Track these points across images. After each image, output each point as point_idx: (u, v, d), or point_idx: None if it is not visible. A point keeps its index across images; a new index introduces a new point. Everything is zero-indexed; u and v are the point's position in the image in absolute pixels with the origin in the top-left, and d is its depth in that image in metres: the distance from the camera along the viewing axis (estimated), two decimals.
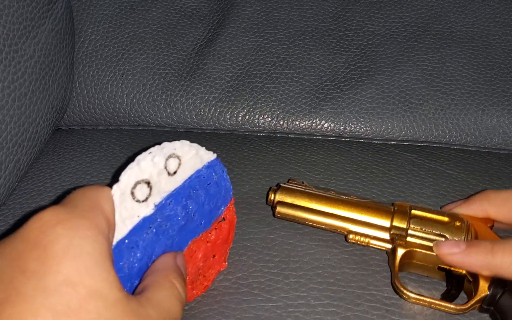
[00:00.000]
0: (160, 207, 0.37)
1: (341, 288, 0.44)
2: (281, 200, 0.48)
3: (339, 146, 0.60)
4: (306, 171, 0.56)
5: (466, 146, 0.62)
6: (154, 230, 0.36)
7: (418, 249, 0.44)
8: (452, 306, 0.42)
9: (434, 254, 0.43)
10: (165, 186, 0.37)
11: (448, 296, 0.43)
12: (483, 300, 0.41)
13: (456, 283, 0.43)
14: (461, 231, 0.44)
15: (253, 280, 0.45)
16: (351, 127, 0.63)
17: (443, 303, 0.42)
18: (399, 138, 0.63)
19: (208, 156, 0.40)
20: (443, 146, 0.62)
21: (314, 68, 0.66)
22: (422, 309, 0.43)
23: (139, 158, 0.36)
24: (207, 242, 0.42)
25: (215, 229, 0.43)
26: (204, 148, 0.40)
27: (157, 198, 0.36)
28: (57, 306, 0.28)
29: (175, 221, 0.38)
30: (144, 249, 0.36)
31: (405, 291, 0.42)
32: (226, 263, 0.46)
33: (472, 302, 0.41)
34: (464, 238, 0.43)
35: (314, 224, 0.47)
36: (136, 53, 0.67)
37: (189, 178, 0.39)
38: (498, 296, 0.41)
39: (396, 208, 0.46)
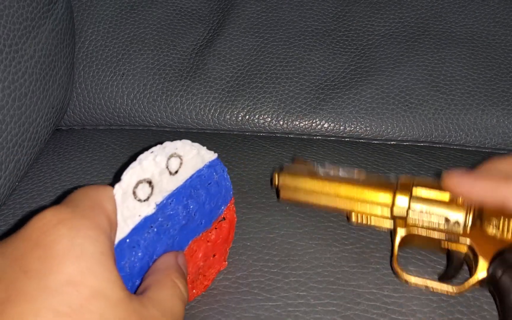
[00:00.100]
0: (161, 207, 0.37)
1: (341, 287, 0.44)
2: (284, 183, 0.48)
3: (339, 146, 0.60)
4: None
5: (466, 146, 0.62)
6: (155, 230, 0.36)
7: (419, 230, 0.44)
8: (450, 288, 0.42)
9: (436, 236, 0.43)
10: (167, 186, 0.37)
11: (447, 277, 0.44)
12: (482, 280, 0.41)
13: (456, 262, 0.44)
14: (463, 207, 0.43)
15: (253, 279, 0.45)
16: (351, 127, 0.63)
17: (440, 285, 0.42)
18: (399, 138, 0.63)
19: (209, 155, 0.40)
20: (443, 146, 0.62)
21: (314, 68, 0.66)
22: (422, 308, 0.43)
23: (141, 157, 0.36)
24: (208, 241, 0.42)
25: (216, 228, 0.43)
26: (205, 147, 0.40)
27: (158, 197, 0.37)
28: (59, 306, 0.28)
29: (176, 220, 0.38)
30: (145, 249, 0.36)
31: (403, 274, 0.43)
32: (226, 262, 0.46)
33: (470, 282, 0.42)
34: (467, 215, 0.43)
35: (317, 206, 0.48)
36: (136, 53, 0.67)
37: (190, 177, 0.39)
38: (498, 276, 0.41)
39: (398, 184, 0.45)
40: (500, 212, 0.42)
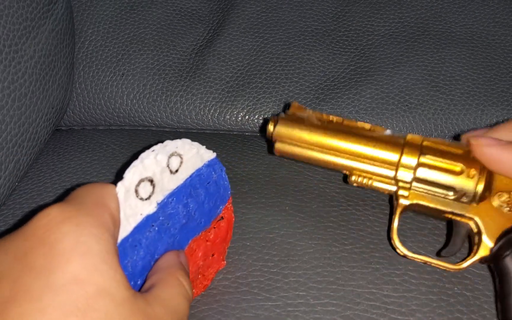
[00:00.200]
0: (162, 206, 0.37)
1: (340, 287, 0.44)
2: (280, 133, 0.44)
3: None
4: (305, 172, 0.56)
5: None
6: (156, 228, 0.36)
7: (422, 200, 0.42)
8: (448, 264, 0.41)
9: (440, 207, 0.42)
10: (168, 185, 0.37)
11: (446, 252, 0.43)
12: (484, 258, 0.40)
13: (458, 236, 0.42)
14: (473, 179, 0.41)
15: (253, 279, 0.45)
16: None
17: (439, 262, 0.42)
18: None
19: (208, 155, 0.41)
20: None
21: (314, 68, 0.66)
22: (422, 308, 0.43)
23: (142, 156, 0.36)
24: (207, 241, 0.42)
25: (214, 228, 0.43)
26: (204, 146, 0.40)
27: (159, 196, 0.37)
28: (65, 305, 0.28)
29: (177, 219, 0.38)
30: (147, 248, 0.36)
31: (401, 248, 0.42)
32: (225, 262, 0.46)
33: (471, 260, 0.40)
34: (476, 189, 0.41)
35: (315, 162, 0.45)
36: (136, 54, 0.67)
37: (190, 176, 0.39)
38: (503, 256, 0.40)
39: (406, 143, 0.43)
40: None
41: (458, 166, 0.41)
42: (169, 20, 0.70)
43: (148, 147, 0.37)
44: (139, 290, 0.35)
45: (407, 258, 0.43)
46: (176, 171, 0.38)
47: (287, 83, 0.65)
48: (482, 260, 0.41)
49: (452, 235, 0.43)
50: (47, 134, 0.60)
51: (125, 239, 0.34)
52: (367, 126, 0.45)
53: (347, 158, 0.44)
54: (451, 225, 0.44)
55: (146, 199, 0.36)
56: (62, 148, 0.61)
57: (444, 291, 0.44)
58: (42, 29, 0.56)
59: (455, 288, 0.44)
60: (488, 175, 0.41)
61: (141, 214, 0.35)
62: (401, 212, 0.43)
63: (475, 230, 0.41)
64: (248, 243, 0.48)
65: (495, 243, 0.40)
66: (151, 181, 0.36)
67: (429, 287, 0.44)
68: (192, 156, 0.39)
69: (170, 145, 0.37)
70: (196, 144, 0.39)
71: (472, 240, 0.42)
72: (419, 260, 0.42)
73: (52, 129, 0.61)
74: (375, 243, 0.47)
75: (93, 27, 0.69)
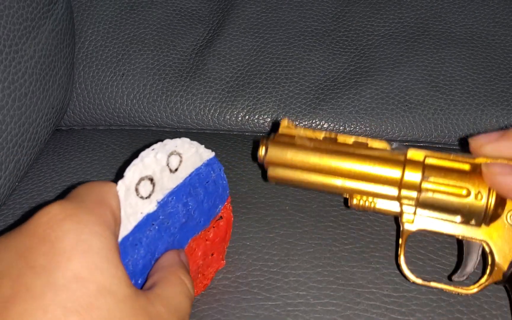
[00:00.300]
0: (162, 204, 0.37)
1: (340, 286, 0.44)
2: (271, 159, 0.41)
3: None
4: None
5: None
6: (156, 227, 0.36)
7: (428, 228, 0.40)
8: (460, 289, 0.39)
9: (447, 232, 0.39)
10: (167, 183, 0.37)
11: (458, 275, 0.41)
12: (497, 281, 0.38)
13: (469, 256, 0.40)
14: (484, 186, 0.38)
15: (253, 279, 0.45)
16: (351, 127, 0.63)
17: (450, 288, 0.40)
18: (399, 138, 0.63)
19: (207, 154, 0.41)
20: (443, 146, 0.62)
21: (314, 68, 0.66)
22: (422, 307, 0.43)
23: (142, 154, 0.36)
24: (206, 240, 0.42)
25: (213, 227, 0.43)
26: (203, 146, 0.40)
27: (159, 195, 0.37)
28: (67, 303, 0.28)
29: (177, 218, 0.38)
30: (147, 246, 0.36)
31: (411, 277, 0.40)
32: (224, 261, 0.46)
33: (483, 284, 0.39)
34: (486, 209, 0.38)
35: (313, 187, 0.42)
36: (136, 54, 0.67)
37: (190, 175, 0.39)
38: None
39: (407, 161, 0.39)
40: None
41: (464, 188, 0.38)
42: (169, 20, 0.70)
43: (149, 146, 0.37)
44: (141, 289, 0.35)
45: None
46: (176, 170, 0.38)
47: (287, 83, 0.65)
48: (496, 282, 0.39)
49: (463, 256, 0.41)
50: (47, 134, 0.60)
51: (126, 238, 0.34)
52: (363, 140, 0.42)
53: (346, 179, 0.41)
54: (461, 243, 0.42)
55: (146, 198, 0.36)
56: (62, 148, 0.61)
57: (444, 291, 0.44)
58: (42, 29, 0.56)
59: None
60: (499, 194, 0.39)
61: (141, 213, 0.35)
62: (406, 239, 0.41)
63: (487, 250, 0.39)
64: (248, 243, 0.48)
65: (509, 266, 0.38)
66: (151, 179, 0.36)
67: (429, 287, 0.44)
68: (192, 155, 0.39)
69: (169, 144, 0.37)
70: (195, 143, 0.39)
71: (486, 258, 0.40)
72: (429, 286, 0.40)
73: (52, 129, 0.61)
74: (375, 243, 0.47)
75: (93, 27, 0.69)
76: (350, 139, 0.42)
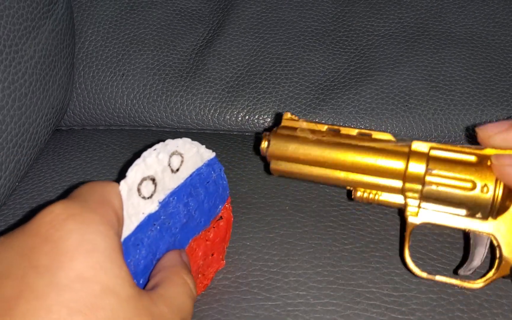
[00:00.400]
0: (164, 204, 0.37)
1: (340, 286, 0.44)
2: (274, 153, 0.41)
3: None
4: None
5: None
6: (158, 228, 0.37)
7: (433, 221, 0.39)
8: (466, 284, 0.39)
9: (452, 225, 0.38)
10: (169, 183, 0.37)
11: (464, 269, 0.40)
12: (505, 276, 0.38)
13: (475, 250, 0.39)
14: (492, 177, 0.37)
15: (253, 279, 0.45)
16: (351, 127, 0.63)
17: (456, 282, 0.39)
18: None
19: (208, 154, 0.41)
20: None
21: (314, 68, 0.66)
22: (422, 307, 0.43)
23: (144, 154, 0.36)
24: (206, 240, 0.43)
25: (214, 227, 0.43)
26: (204, 146, 0.40)
27: (161, 195, 0.37)
28: (71, 303, 0.28)
29: (178, 218, 0.38)
30: (149, 246, 0.36)
31: (416, 271, 0.39)
32: (224, 261, 0.46)
33: (490, 278, 0.38)
34: (497, 188, 0.36)
35: (316, 179, 0.41)
36: (136, 54, 0.67)
37: (190, 176, 0.39)
38: None
39: (411, 153, 0.38)
40: None
41: (469, 181, 0.37)
42: (169, 20, 0.70)
43: (149, 146, 0.37)
44: (143, 289, 0.35)
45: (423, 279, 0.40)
46: (177, 170, 0.38)
47: (287, 83, 0.65)
48: (504, 277, 0.38)
49: (469, 249, 0.40)
50: (47, 134, 0.60)
51: (128, 238, 0.34)
52: (367, 131, 0.41)
53: (349, 171, 0.40)
54: (468, 236, 0.41)
55: (148, 198, 0.36)
56: (62, 148, 0.61)
57: (444, 290, 0.44)
58: (42, 29, 0.56)
59: (455, 287, 0.44)
60: (506, 186, 0.37)
61: (143, 213, 0.35)
62: (411, 232, 0.40)
63: (495, 243, 0.38)
64: (248, 243, 0.48)
65: None
66: (153, 180, 0.36)
67: (429, 286, 0.44)
68: (193, 155, 0.39)
69: (171, 144, 0.37)
70: (196, 143, 0.39)
71: (494, 252, 0.39)
72: (434, 280, 0.40)
73: (52, 129, 0.61)
74: (375, 242, 0.47)
75: (93, 27, 0.69)
76: (354, 131, 0.41)
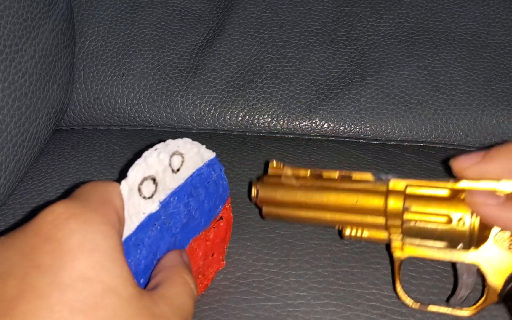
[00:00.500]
0: (164, 204, 0.37)
1: (340, 287, 0.44)
2: (263, 199, 0.44)
3: (339, 146, 0.60)
4: None
5: (465, 146, 0.62)
6: (158, 228, 0.37)
7: (417, 255, 0.40)
8: (459, 312, 0.39)
9: (436, 257, 0.39)
10: (169, 183, 0.37)
11: (456, 298, 0.40)
12: (495, 302, 0.38)
13: (463, 279, 0.40)
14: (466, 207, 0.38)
15: (253, 279, 0.45)
16: (351, 127, 0.63)
17: (449, 311, 0.39)
18: (399, 138, 0.63)
19: (208, 154, 0.41)
20: (443, 146, 0.62)
21: (314, 68, 0.66)
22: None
23: (145, 154, 0.36)
24: (207, 240, 0.42)
25: (214, 228, 0.43)
26: (204, 146, 0.40)
27: (162, 195, 0.37)
28: (73, 302, 0.28)
29: (178, 218, 0.38)
30: (149, 246, 0.36)
31: (410, 304, 0.40)
32: (224, 262, 0.46)
33: (480, 306, 0.38)
34: (472, 220, 0.37)
35: (304, 221, 0.44)
36: (137, 54, 0.67)
37: (191, 176, 0.39)
38: None
39: (389, 191, 0.40)
40: None
41: (445, 215, 0.38)
42: (169, 20, 0.70)
43: (149, 146, 0.37)
44: (145, 288, 0.35)
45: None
46: (178, 170, 0.38)
47: (287, 83, 0.65)
48: (495, 303, 0.38)
49: (457, 278, 0.40)
50: (47, 134, 0.60)
51: (128, 238, 0.34)
52: (347, 173, 0.43)
53: (334, 212, 0.42)
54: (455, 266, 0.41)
55: (149, 198, 0.36)
56: (62, 148, 0.61)
57: (444, 291, 0.44)
58: (42, 29, 0.56)
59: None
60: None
61: (143, 213, 0.35)
62: (400, 266, 0.41)
63: (481, 272, 0.38)
64: (248, 243, 0.48)
65: (503, 287, 0.37)
66: (154, 179, 0.36)
67: (429, 288, 0.44)
68: (193, 155, 0.39)
69: (171, 144, 0.37)
70: (196, 143, 0.39)
71: (482, 276, 0.39)
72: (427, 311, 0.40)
73: (52, 129, 0.61)
74: (375, 243, 0.47)
75: (93, 27, 0.69)
76: (335, 174, 0.43)
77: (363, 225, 0.42)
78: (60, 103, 0.61)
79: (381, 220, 0.41)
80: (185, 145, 0.38)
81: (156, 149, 0.36)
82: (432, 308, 0.40)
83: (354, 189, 0.42)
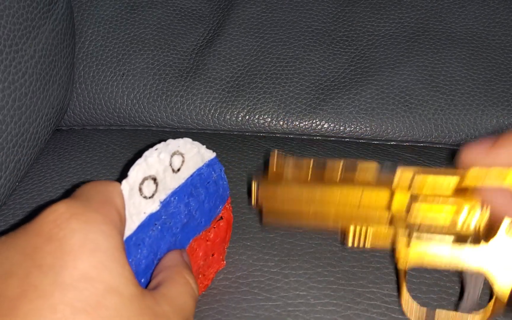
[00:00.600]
0: (164, 204, 0.37)
1: (341, 286, 0.44)
2: (264, 197, 0.41)
3: (339, 146, 0.60)
4: None
5: None
6: (159, 227, 0.37)
7: (423, 261, 0.38)
8: (470, 317, 0.38)
9: (442, 262, 0.37)
10: (170, 183, 0.37)
11: (464, 307, 0.39)
12: (505, 307, 0.36)
13: (470, 285, 0.39)
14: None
15: (253, 279, 0.45)
16: (351, 127, 0.63)
17: (457, 315, 0.38)
18: (399, 139, 0.63)
19: (208, 154, 0.41)
20: (443, 146, 0.62)
21: (314, 68, 0.66)
22: (422, 306, 0.43)
23: (146, 154, 0.36)
24: (207, 240, 0.42)
25: (214, 228, 0.43)
26: (205, 146, 0.40)
27: (162, 195, 0.37)
28: (75, 302, 0.28)
29: (178, 218, 0.38)
30: (150, 246, 0.36)
31: (415, 310, 0.39)
32: (225, 262, 0.46)
33: (488, 310, 0.37)
34: (483, 211, 0.36)
35: (307, 218, 0.41)
36: (137, 54, 0.67)
37: (191, 176, 0.39)
38: None
39: (394, 186, 0.38)
40: None
41: (454, 204, 0.37)
42: (169, 20, 0.70)
43: (150, 146, 0.37)
44: (146, 288, 0.35)
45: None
46: (178, 170, 0.38)
47: (287, 83, 0.65)
48: (506, 308, 0.37)
49: (463, 285, 0.39)
50: (47, 134, 0.60)
51: (129, 238, 0.34)
52: (353, 162, 0.40)
53: (338, 207, 0.40)
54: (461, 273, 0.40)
55: (149, 198, 0.36)
56: (62, 148, 0.61)
57: (445, 290, 0.44)
58: (42, 29, 0.56)
59: (456, 287, 0.44)
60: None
61: (144, 213, 0.35)
62: (405, 274, 0.39)
63: (487, 278, 0.37)
64: (248, 243, 0.48)
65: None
66: (155, 179, 0.36)
67: (430, 286, 0.44)
68: (194, 155, 0.39)
69: (172, 144, 0.37)
70: (197, 143, 0.39)
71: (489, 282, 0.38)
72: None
73: (52, 129, 0.61)
74: None
75: (93, 27, 0.69)
76: (339, 164, 0.41)
77: (368, 221, 0.39)
78: (60, 103, 0.61)
79: (386, 214, 0.39)
80: (186, 145, 0.38)
81: (156, 149, 0.36)
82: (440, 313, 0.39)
83: (358, 182, 0.39)
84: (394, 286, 0.44)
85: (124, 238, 0.34)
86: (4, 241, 0.30)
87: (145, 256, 0.35)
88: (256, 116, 0.64)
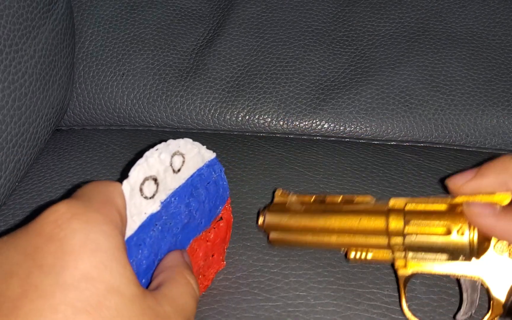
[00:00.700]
0: (165, 204, 0.37)
1: (341, 287, 0.44)
2: (270, 225, 0.45)
3: (339, 146, 0.60)
4: (306, 172, 0.56)
5: (466, 146, 0.62)
6: (160, 228, 0.37)
7: (421, 270, 0.41)
8: None
9: (440, 272, 0.40)
10: (170, 184, 0.37)
11: (462, 315, 0.40)
12: (501, 315, 0.38)
13: (468, 293, 0.40)
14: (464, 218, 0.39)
15: (253, 279, 0.45)
16: (351, 127, 0.63)
17: None
18: (399, 139, 0.63)
19: (209, 155, 0.41)
20: (443, 147, 0.62)
21: (314, 68, 0.66)
22: (423, 307, 0.43)
23: (147, 154, 0.36)
24: (207, 241, 0.43)
25: (214, 228, 0.43)
26: (205, 146, 0.40)
27: (163, 195, 0.37)
28: (76, 302, 0.28)
29: (179, 219, 0.38)
30: (150, 247, 0.36)
31: None
32: (224, 262, 0.46)
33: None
34: (471, 231, 0.38)
35: (310, 245, 0.45)
36: (137, 54, 0.67)
37: (192, 176, 0.39)
38: None
39: (390, 210, 0.42)
40: None
41: (444, 227, 0.39)
42: (169, 20, 0.70)
43: (150, 146, 0.37)
44: (147, 288, 0.35)
45: None
46: (179, 170, 0.38)
47: (287, 83, 0.65)
48: (501, 316, 0.39)
49: (461, 293, 0.41)
50: (47, 134, 0.60)
51: (130, 238, 0.34)
52: (350, 197, 0.45)
53: (338, 235, 0.43)
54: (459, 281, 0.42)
55: (150, 198, 0.36)
56: (62, 148, 0.61)
57: (445, 291, 0.44)
58: (42, 29, 0.56)
59: (456, 287, 0.44)
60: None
61: (145, 213, 0.35)
62: (405, 283, 0.42)
63: (484, 285, 0.39)
64: (248, 243, 0.48)
65: (507, 298, 0.38)
66: (155, 179, 0.36)
67: (430, 287, 0.44)
68: (194, 155, 0.39)
69: (172, 144, 0.37)
70: (197, 143, 0.39)
71: (486, 289, 0.40)
72: None
73: (52, 129, 0.61)
74: None
75: (93, 27, 0.69)
76: (338, 198, 0.45)
77: (367, 246, 0.43)
78: (60, 103, 0.61)
79: (383, 239, 0.42)
80: (186, 145, 0.38)
81: (157, 149, 0.36)
82: None
83: (356, 211, 0.43)
84: (394, 286, 0.44)
85: (125, 238, 0.34)
86: (5, 241, 0.30)
87: (146, 257, 0.35)
88: (256, 116, 0.64)
